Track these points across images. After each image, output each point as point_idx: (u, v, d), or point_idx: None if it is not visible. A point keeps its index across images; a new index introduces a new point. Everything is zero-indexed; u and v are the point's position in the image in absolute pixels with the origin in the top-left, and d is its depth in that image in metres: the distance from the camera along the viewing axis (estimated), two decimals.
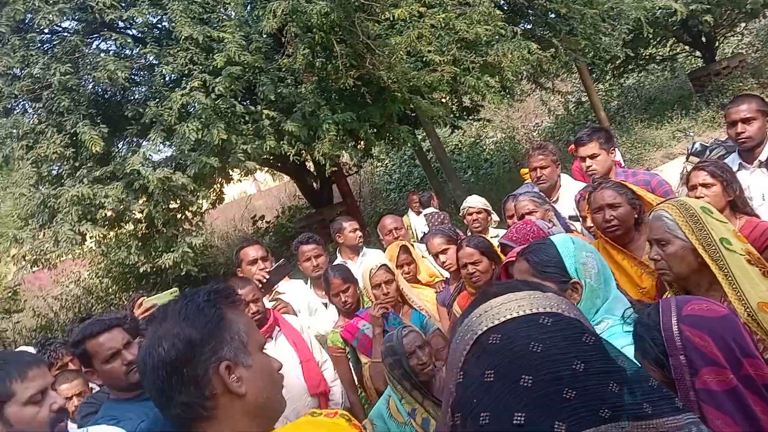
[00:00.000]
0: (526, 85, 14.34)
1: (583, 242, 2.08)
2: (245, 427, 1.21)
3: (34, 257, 7.94)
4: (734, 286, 1.90)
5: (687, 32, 15.27)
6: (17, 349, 3.82)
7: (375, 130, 9.38)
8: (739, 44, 18.61)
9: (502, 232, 4.30)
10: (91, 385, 3.18)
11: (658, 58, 17.24)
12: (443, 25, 8.14)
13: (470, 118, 14.33)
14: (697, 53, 16.61)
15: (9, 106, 7.93)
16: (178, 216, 8.38)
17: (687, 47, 16.87)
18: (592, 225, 3.40)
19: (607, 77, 17.84)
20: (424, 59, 8.21)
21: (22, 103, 8.17)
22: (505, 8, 10.10)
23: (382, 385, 3.21)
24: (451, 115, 11.48)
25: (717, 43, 16.20)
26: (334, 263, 4.41)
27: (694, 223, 2.01)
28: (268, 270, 3.70)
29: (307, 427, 0.78)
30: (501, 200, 4.82)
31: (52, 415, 1.74)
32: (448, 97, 11.44)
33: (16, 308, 13.51)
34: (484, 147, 18.37)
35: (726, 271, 1.93)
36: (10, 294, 13.47)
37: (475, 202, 4.67)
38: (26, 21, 7.50)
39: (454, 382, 0.84)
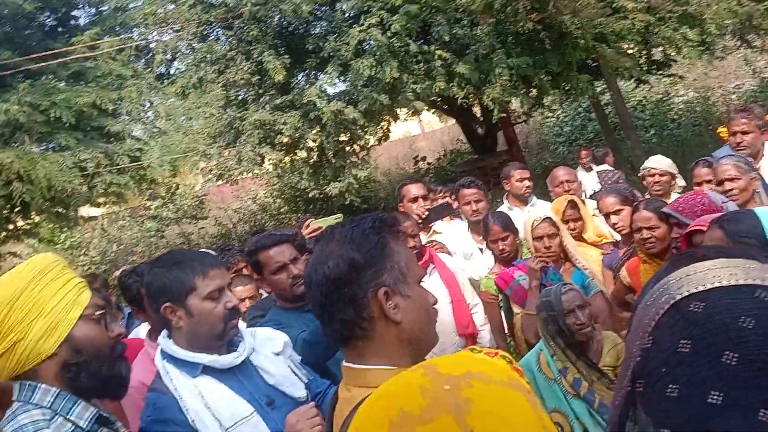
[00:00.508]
0: (729, 40, 12.64)
1: None
2: (398, 353, 1.23)
3: (219, 172, 8.78)
4: None
5: None
6: (201, 250, 4.26)
7: (550, 78, 8.89)
8: None
9: None
10: (261, 291, 3.46)
11: None
12: None
13: (659, 72, 12.99)
14: None
15: (205, 33, 8.62)
16: (347, 148, 8.75)
17: None
18: None
19: None
20: (613, 5, 7.52)
21: (216, 30, 8.83)
22: None
23: (532, 337, 3.12)
24: (638, 68, 10.49)
25: None
26: (499, 209, 4.33)
27: None
28: (428, 208, 3.71)
29: (466, 360, 0.74)
30: (686, 165, 4.35)
31: (226, 312, 1.89)
32: (636, 48, 10.46)
33: (201, 215, 15.23)
34: (672, 106, 16.65)
35: None
36: (197, 202, 15.17)
37: (658, 162, 4.25)
38: None
39: (639, 345, 0.75)
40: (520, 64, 7.84)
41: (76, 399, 1.53)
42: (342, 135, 8.54)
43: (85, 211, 13.15)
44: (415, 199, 3.92)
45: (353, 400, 1.18)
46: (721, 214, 1.93)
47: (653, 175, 4.27)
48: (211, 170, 9.00)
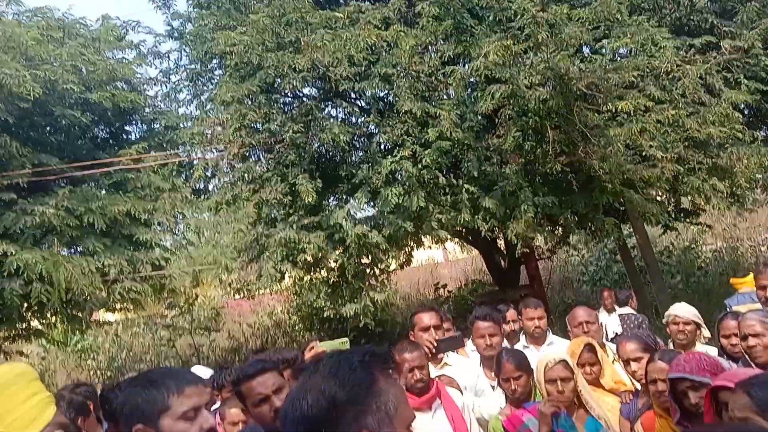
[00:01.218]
0: (760, 194, 12.77)
1: None
2: None
3: (238, 286, 8.79)
4: None
5: None
6: (193, 367, 4.15)
7: (576, 218, 8.96)
8: None
9: (712, 350, 3.74)
10: None
11: None
12: (671, 122, 7.61)
13: (686, 220, 13.04)
14: None
15: (246, 154, 9.03)
16: (367, 271, 8.74)
17: None
18: None
19: None
20: (643, 154, 7.72)
21: (257, 152, 9.25)
22: (746, 112, 9.16)
23: None
24: (666, 215, 10.55)
25: None
26: (514, 346, 4.21)
27: None
28: (437, 339, 3.60)
29: None
30: (711, 314, 4.22)
31: None
32: (664, 195, 10.58)
33: (215, 328, 15.07)
34: (700, 254, 16.52)
35: None
36: (214, 314, 15.09)
37: (684, 311, 4.13)
38: (274, 84, 8.52)
39: None
40: (546, 203, 7.95)
41: None
42: (364, 257, 8.58)
43: (101, 315, 13.16)
44: (426, 329, 3.80)
45: None
46: (749, 377, 1.81)
47: (677, 324, 4.14)
48: (230, 284, 9.04)
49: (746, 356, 3.14)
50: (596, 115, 7.76)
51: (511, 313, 4.65)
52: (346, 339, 3.51)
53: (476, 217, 8.06)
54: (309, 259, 8.28)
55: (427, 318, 3.84)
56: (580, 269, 17.59)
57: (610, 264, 16.85)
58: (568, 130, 7.62)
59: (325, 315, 9.13)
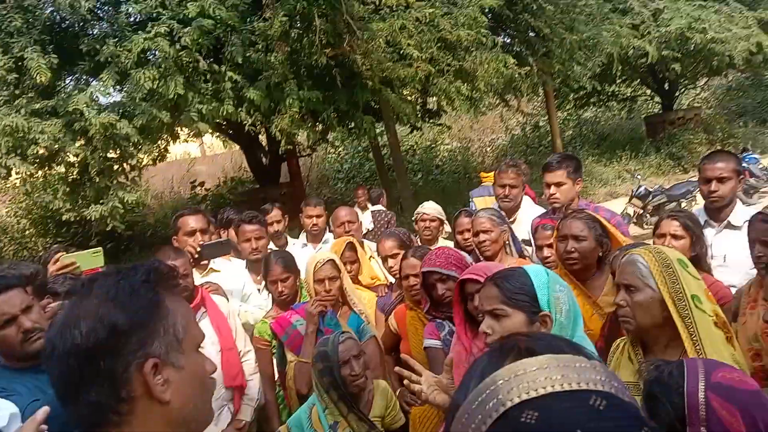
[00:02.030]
0: (492, 98, 14.43)
1: (556, 275, 1.96)
2: None
3: None
4: (698, 347, 1.82)
5: (653, 77, 15.75)
6: None
7: (338, 115, 9.14)
8: (696, 98, 19.38)
9: (450, 244, 4.17)
10: None
11: (619, 96, 17.72)
12: (428, 20, 7.99)
13: (431, 121, 14.26)
14: (657, 99, 17.17)
15: None
16: (115, 167, 7.89)
17: (648, 91, 17.40)
18: (548, 255, 3.32)
19: (568, 107, 18.19)
20: (402, 52, 8.04)
21: None
22: (489, 16, 10.03)
23: (304, 387, 3.01)
24: (415, 115, 11.36)
25: (677, 93, 16.77)
26: (296, 244, 4.22)
27: (668, 275, 1.92)
28: (203, 243, 3.41)
29: None
30: (446, 209, 4.69)
31: None
32: (414, 96, 11.33)
33: None
34: (438, 153, 18.37)
35: (692, 330, 1.85)
36: None
37: (430, 209, 4.51)
38: None
39: None
40: (310, 98, 7.90)
41: None
42: (111, 151, 7.69)
43: None
44: (192, 233, 3.57)
45: None
46: (497, 271, 2.03)
47: (425, 220, 4.51)
48: None
49: (477, 250, 3.56)
50: (362, 6, 7.78)
51: (275, 214, 4.61)
52: (99, 249, 3.12)
53: (240, 109, 7.71)
54: (42, 151, 7.16)
55: (192, 221, 3.59)
56: (336, 167, 18.34)
57: (362, 162, 17.89)
58: (334, 19, 7.53)
59: (63, 218, 8.08)
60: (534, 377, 0.66)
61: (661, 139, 15.03)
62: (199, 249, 3.39)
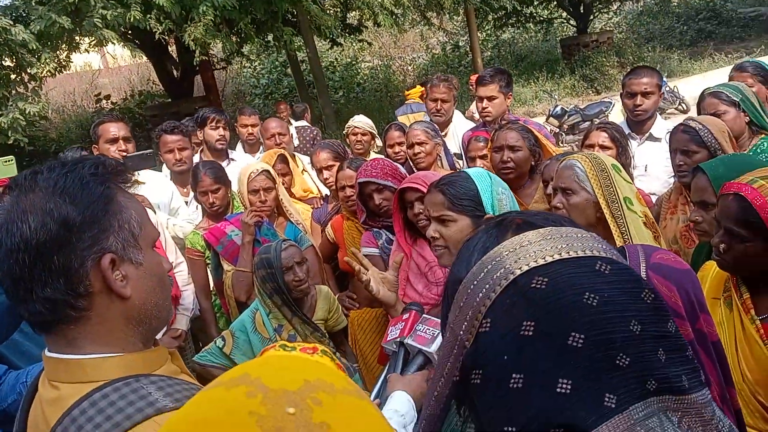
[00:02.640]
0: (414, 14, 14.17)
1: (498, 179, 2.02)
2: (124, 336, 0.98)
3: None
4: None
5: (569, 0, 15.95)
6: None
7: (255, 26, 8.68)
8: (609, 22, 19.90)
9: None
10: None
11: (537, 18, 17.89)
12: None
13: (351, 36, 13.88)
14: (572, 22, 17.47)
15: None
16: (12, 76, 7.21)
17: (564, 14, 17.66)
18: (481, 167, 3.40)
19: (487, 27, 18.19)
20: None
21: None
22: None
23: (243, 295, 3.01)
24: (336, 28, 10.99)
25: (591, 17, 17.12)
26: (235, 153, 4.19)
27: (603, 178, 2.02)
28: (127, 154, 3.23)
29: (295, 366, 0.55)
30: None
31: None
32: (335, 9, 10.92)
33: None
34: (359, 70, 18.02)
35: (624, 229, 1.97)
36: None
37: (361, 123, 4.47)
38: None
39: (469, 328, 0.66)
40: (225, 5, 7.42)
41: None
42: (6, 59, 7.00)
43: None
44: (114, 140, 3.38)
45: (63, 400, 0.92)
46: (440, 177, 2.05)
47: (356, 134, 4.49)
48: None
49: (410, 162, 3.60)
50: None
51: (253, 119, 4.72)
52: (11, 157, 2.88)
53: (149, 16, 7.15)
54: None
55: (114, 128, 3.38)
56: (253, 81, 17.63)
57: (280, 77, 17.27)
58: None
59: None
60: (540, 247, 0.68)
61: (575, 61, 15.42)
62: (122, 161, 3.20)
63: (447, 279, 0.78)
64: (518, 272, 0.66)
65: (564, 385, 0.58)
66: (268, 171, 3.14)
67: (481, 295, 0.67)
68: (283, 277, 2.51)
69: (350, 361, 2.77)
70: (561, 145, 9.41)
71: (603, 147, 2.80)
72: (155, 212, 3.30)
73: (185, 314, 3.15)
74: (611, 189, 2.00)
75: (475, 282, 0.69)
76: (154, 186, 3.56)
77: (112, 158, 1.07)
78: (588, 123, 9.72)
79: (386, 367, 1.72)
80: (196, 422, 0.52)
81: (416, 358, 1.61)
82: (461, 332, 0.67)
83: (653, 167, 3.16)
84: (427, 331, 1.62)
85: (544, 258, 0.66)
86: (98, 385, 0.91)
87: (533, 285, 0.64)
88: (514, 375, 0.61)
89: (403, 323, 1.70)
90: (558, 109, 10.10)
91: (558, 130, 9.72)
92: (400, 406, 1.45)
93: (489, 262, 0.69)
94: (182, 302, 3.17)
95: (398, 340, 1.66)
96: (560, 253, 0.66)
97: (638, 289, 0.65)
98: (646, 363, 0.60)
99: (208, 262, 3.22)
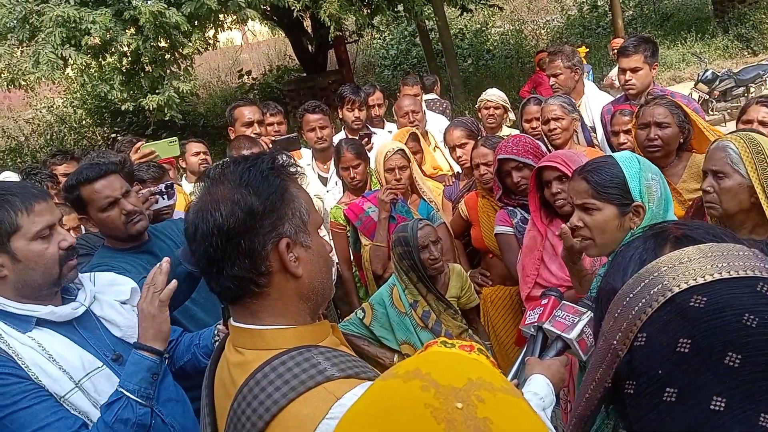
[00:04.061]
0: None
1: (648, 163, 1.94)
2: (297, 310, 1.13)
3: (11, 76, 7.44)
4: None
5: None
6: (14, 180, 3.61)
7: None
8: None
9: (516, 132, 4.12)
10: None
11: None
12: None
13: (481, 2, 13.54)
14: None
15: None
16: (167, 56, 7.89)
17: None
18: (625, 142, 3.25)
19: None
20: None
21: None
22: None
23: (380, 268, 3.16)
24: None
25: None
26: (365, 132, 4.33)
27: (759, 161, 1.89)
28: (274, 138, 3.47)
29: (459, 364, 0.64)
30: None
31: (61, 252, 1.63)
32: None
33: None
34: (489, 36, 17.55)
35: None
36: None
37: (494, 96, 4.41)
38: None
39: (624, 340, 0.69)
40: None
41: None
42: (162, 40, 7.67)
43: None
44: (249, 124, 3.65)
45: (248, 364, 1.07)
46: (586, 163, 2.00)
47: (488, 108, 4.43)
48: (0, 73, 7.58)
49: (545, 138, 3.51)
50: None
51: (377, 96, 4.66)
52: (174, 138, 3.22)
53: None
54: (95, 41, 7.18)
55: (248, 112, 3.66)
56: (382, 53, 17.80)
57: (409, 48, 17.27)
58: None
59: (122, 108, 8.20)
60: (700, 265, 0.68)
61: (729, 20, 13.94)
62: (270, 143, 3.45)
63: (600, 286, 0.80)
64: (676, 290, 0.67)
65: (718, 403, 0.60)
66: (403, 150, 3.23)
67: (637, 309, 0.69)
68: (419, 255, 2.60)
69: (482, 339, 2.84)
70: (711, 113, 8.65)
71: (763, 123, 2.59)
72: (322, 201, 3.53)
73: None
74: (767, 173, 1.88)
75: (632, 295, 0.70)
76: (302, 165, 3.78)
77: (283, 153, 1.20)
78: (742, 89, 8.83)
79: (524, 350, 1.76)
80: (378, 410, 0.60)
81: (555, 344, 1.64)
82: (615, 342, 0.70)
83: None
84: (566, 317, 1.63)
85: (704, 277, 0.67)
86: (276, 353, 1.05)
87: (691, 304, 0.65)
88: (668, 389, 0.63)
89: (542, 308, 1.72)
90: (708, 73, 9.23)
91: (708, 96, 8.92)
92: (540, 389, 1.49)
93: (646, 276, 0.70)
94: None
95: (537, 324, 1.69)
96: (720, 273, 0.67)
97: None
98: None
99: (349, 235, 3.40)
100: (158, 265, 1.73)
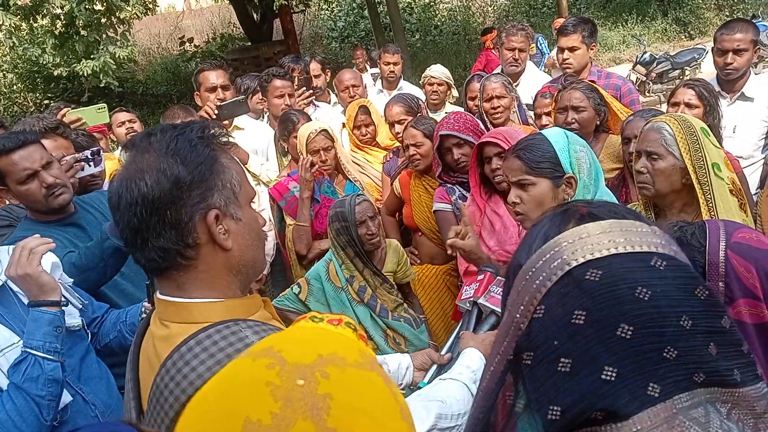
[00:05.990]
0: None
1: (575, 136, 1.99)
2: (226, 283, 1.11)
3: None
4: (712, 213, 1.90)
5: None
6: None
7: None
8: None
9: (459, 109, 4.13)
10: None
11: None
12: None
13: None
14: None
15: None
16: (103, 20, 7.52)
17: None
18: (546, 124, 3.31)
19: None
20: None
21: None
22: None
23: (303, 248, 3.14)
24: None
25: None
26: (369, 90, 4.26)
27: (692, 143, 1.95)
28: (221, 103, 3.34)
29: (314, 340, 0.64)
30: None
31: None
32: None
33: None
34: (437, 12, 17.50)
35: (709, 196, 1.91)
36: None
37: (438, 72, 4.41)
38: None
39: (525, 312, 0.71)
40: None
41: None
42: (97, 3, 7.30)
43: None
44: (213, 89, 3.50)
45: (173, 337, 1.05)
46: (517, 142, 2.04)
47: (432, 84, 4.43)
48: None
49: (485, 116, 3.52)
50: None
51: (315, 66, 4.73)
52: (103, 105, 3.09)
53: None
54: (26, 1, 6.78)
55: (214, 77, 3.51)
56: (330, 24, 17.51)
57: (357, 20, 17.03)
58: None
59: (55, 73, 7.79)
60: (598, 240, 0.70)
61: (668, 3, 14.39)
62: (216, 108, 3.32)
63: (509, 263, 0.82)
64: (574, 263, 0.69)
65: (609, 373, 0.62)
66: (326, 131, 3.19)
67: (537, 282, 0.71)
68: (357, 230, 2.60)
69: (417, 312, 2.87)
70: (648, 95, 8.94)
71: (689, 105, 2.68)
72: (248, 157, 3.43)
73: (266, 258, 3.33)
74: (699, 154, 1.93)
75: (534, 269, 0.73)
76: (253, 132, 3.67)
77: (213, 121, 1.16)
78: (678, 71, 9.15)
79: (459, 324, 1.79)
80: (222, 390, 0.61)
81: (489, 318, 1.68)
82: (517, 315, 0.72)
83: (743, 128, 3.00)
84: (501, 292, 1.67)
85: (600, 251, 0.69)
86: (203, 326, 1.03)
87: (587, 277, 0.68)
88: (562, 359, 0.65)
89: (478, 284, 1.76)
90: (646, 55, 9.52)
91: (645, 78, 9.21)
92: (472, 362, 1.52)
93: (548, 251, 0.72)
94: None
95: (472, 299, 1.72)
96: (617, 248, 0.69)
97: (692, 285, 0.68)
98: (695, 356, 0.63)
99: (275, 214, 3.34)
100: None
